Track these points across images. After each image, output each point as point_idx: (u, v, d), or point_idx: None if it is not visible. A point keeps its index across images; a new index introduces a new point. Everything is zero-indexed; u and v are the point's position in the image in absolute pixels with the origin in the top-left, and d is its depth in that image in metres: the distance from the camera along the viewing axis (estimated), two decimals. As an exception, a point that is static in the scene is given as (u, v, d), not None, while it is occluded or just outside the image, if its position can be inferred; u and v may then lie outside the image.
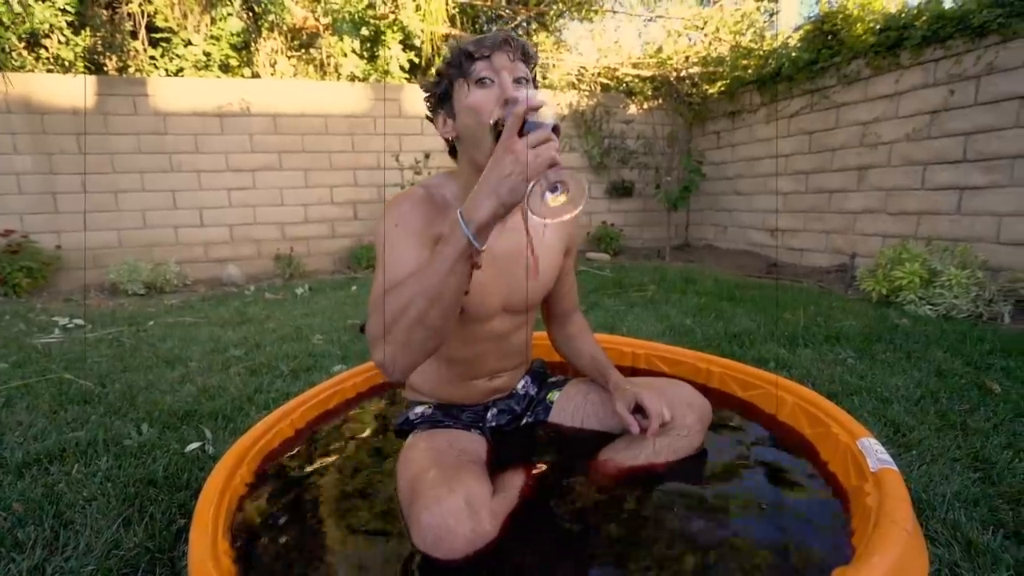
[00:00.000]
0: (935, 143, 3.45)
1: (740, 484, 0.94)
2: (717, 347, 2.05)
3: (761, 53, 5.00)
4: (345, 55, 5.41)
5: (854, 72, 3.98)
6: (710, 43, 5.71)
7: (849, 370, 1.80)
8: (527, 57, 0.86)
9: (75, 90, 4.31)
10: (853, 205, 4.10)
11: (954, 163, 3.34)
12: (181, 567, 0.90)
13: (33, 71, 4.50)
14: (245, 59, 5.42)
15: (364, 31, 5.47)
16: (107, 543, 0.95)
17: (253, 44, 5.37)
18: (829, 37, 4.17)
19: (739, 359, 1.44)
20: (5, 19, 4.30)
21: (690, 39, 6.07)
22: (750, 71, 5.01)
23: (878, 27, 3.77)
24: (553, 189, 0.66)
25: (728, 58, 5.35)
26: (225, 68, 5.34)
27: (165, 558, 0.93)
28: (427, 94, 0.92)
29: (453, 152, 0.94)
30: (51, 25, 4.47)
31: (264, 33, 5.33)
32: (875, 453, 0.85)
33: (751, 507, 0.87)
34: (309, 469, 1.05)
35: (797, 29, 4.66)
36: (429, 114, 0.94)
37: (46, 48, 4.69)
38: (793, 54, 4.47)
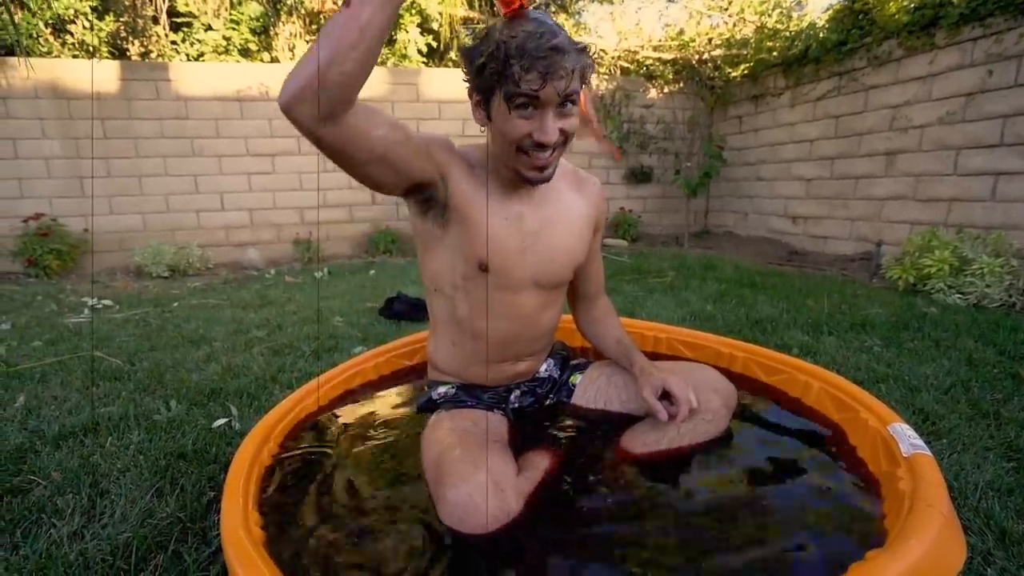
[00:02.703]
0: (970, 127, 3.32)
1: (765, 469, 0.93)
2: (739, 333, 2.02)
3: (787, 34, 4.85)
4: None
5: (885, 53, 3.84)
6: (734, 24, 5.55)
7: (875, 358, 1.76)
8: (583, 76, 0.81)
9: (100, 75, 4.37)
10: (880, 191, 3.98)
11: (990, 147, 3.22)
12: (212, 536, 0.92)
13: (59, 56, 4.58)
14: (264, 43, 5.43)
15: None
16: (141, 512, 0.98)
17: (272, 28, 5.38)
18: (860, 16, 4.02)
19: (761, 345, 1.41)
20: (32, 5, 4.37)
21: (711, 19, 5.90)
22: (775, 53, 4.86)
23: (912, 5, 3.62)
24: None
25: (752, 40, 5.20)
26: (245, 53, 5.36)
27: (197, 528, 0.95)
28: (466, 65, 0.85)
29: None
30: (75, 11, 4.52)
31: (283, 17, 5.33)
32: (908, 438, 0.83)
33: (777, 491, 0.86)
34: (334, 444, 1.07)
35: (826, 9, 4.51)
36: (465, 81, 0.88)
37: (71, 34, 4.75)
38: (821, 35, 4.32)
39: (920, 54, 3.60)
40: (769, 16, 5.28)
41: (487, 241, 0.90)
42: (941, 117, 3.48)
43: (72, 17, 4.67)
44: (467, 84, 0.87)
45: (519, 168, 0.86)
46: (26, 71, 4.08)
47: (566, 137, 0.84)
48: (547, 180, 0.88)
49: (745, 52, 5.24)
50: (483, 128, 0.89)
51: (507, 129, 0.81)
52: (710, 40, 5.57)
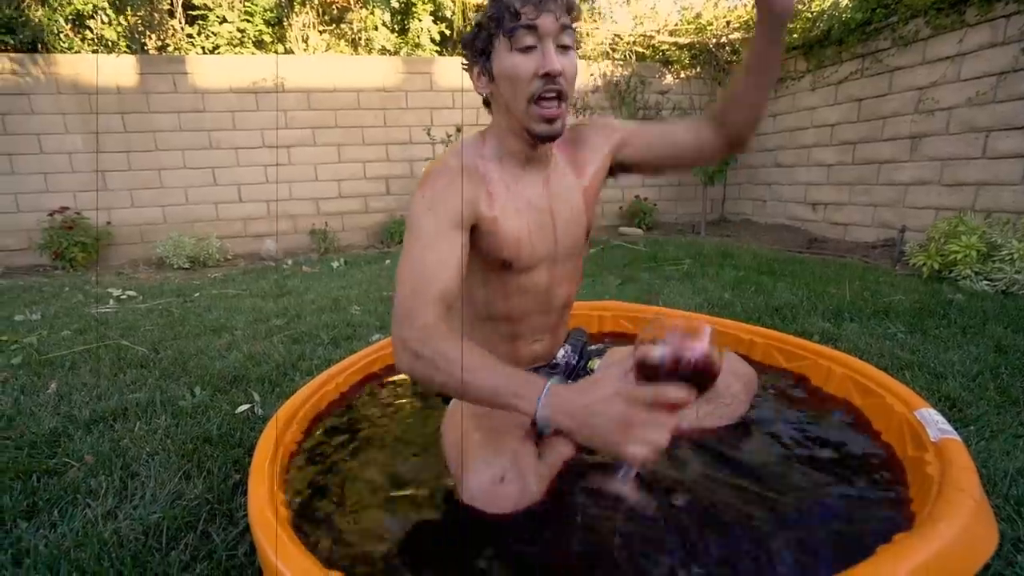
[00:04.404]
0: (1000, 107, 3.21)
1: (787, 453, 0.92)
2: (758, 320, 2.00)
3: (809, 15, 4.72)
4: (376, 28, 5.38)
5: (912, 33, 3.71)
6: (753, 6, 5.41)
7: (899, 345, 1.73)
8: (571, 10, 0.82)
9: (118, 69, 4.44)
10: (904, 176, 3.88)
11: (1021, 129, 3.10)
12: (239, 517, 0.94)
13: (80, 52, 4.65)
14: (278, 35, 5.45)
15: (394, 3, 5.41)
16: (170, 494, 1.01)
17: (286, 20, 5.39)
18: (885, -5, 3.90)
19: (782, 332, 1.39)
20: (52, 1, 4.43)
21: (729, 0, 5.77)
22: (795, 35, 4.74)
23: (941, -18, 3.50)
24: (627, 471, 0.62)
25: (772, 22, 5.06)
26: (259, 44, 5.39)
27: (224, 509, 0.98)
28: (465, 43, 0.89)
29: (487, 105, 0.93)
30: (94, 5, 4.58)
31: (296, 8, 5.34)
32: (935, 423, 0.82)
33: (800, 475, 0.85)
34: (355, 429, 1.08)
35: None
36: (465, 64, 0.91)
37: (91, 29, 4.82)
38: (844, 15, 4.20)
39: (949, 32, 3.48)
40: (789, -4, 5.13)
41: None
42: (970, 98, 3.36)
43: (91, 12, 4.73)
44: (466, 67, 0.90)
45: (530, 124, 0.84)
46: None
47: (568, 82, 0.83)
48: (558, 134, 0.86)
49: (764, 34, 5.11)
50: (485, 95, 0.90)
51: (512, 71, 0.81)
52: (728, 23, 5.45)
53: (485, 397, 0.69)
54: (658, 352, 0.59)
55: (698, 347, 0.58)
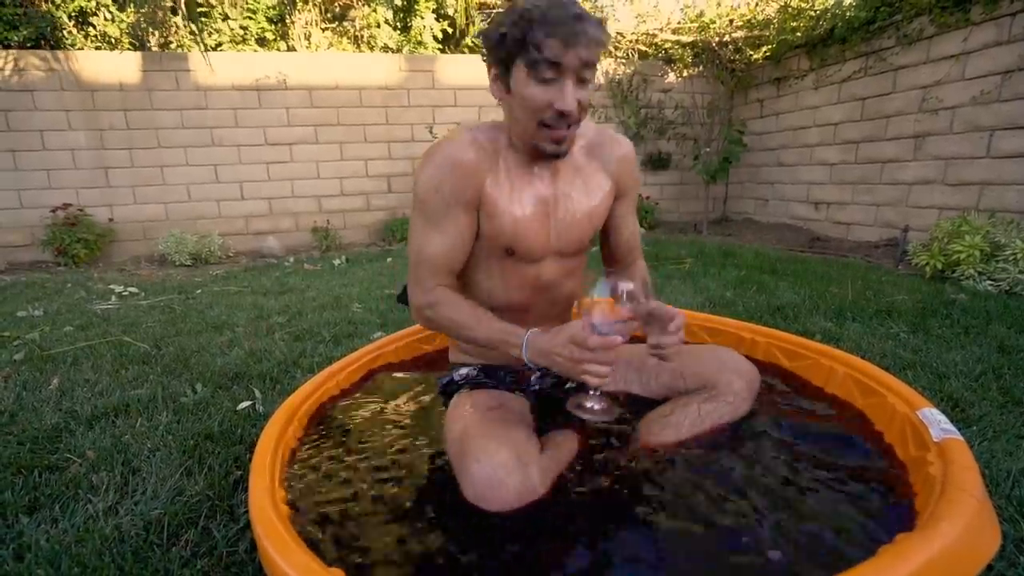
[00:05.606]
0: (1005, 107, 3.19)
1: (788, 452, 0.92)
2: (760, 320, 1.99)
3: (812, 13, 4.70)
4: (378, 25, 5.37)
5: (916, 31, 3.69)
6: (756, 4, 5.39)
7: (901, 344, 1.72)
8: (599, 46, 0.81)
9: (121, 67, 4.44)
10: (907, 176, 3.86)
11: (1026, 128, 3.09)
12: (240, 513, 0.94)
13: (83, 49, 4.65)
14: (280, 32, 5.45)
15: (397, 0, 5.40)
16: (171, 490, 1.01)
17: (288, 17, 5.39)
18: (889, -7, 3.87)
19: (784, 332, 1.39)
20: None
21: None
22: (799, 34, 4.72)
23: (946, -20, 3.47)
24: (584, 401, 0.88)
25: (775, 20, 5.04)
26: (261, 42, 5.39)
27: (224, 505, 0.98)
28: (485, 41, 0.87)
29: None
30: (97, 2, 4.58)
31: (299, 5, 5.33)
32: (938, 423, 0.82)
33: (800, 474, 0.85)
34: (356, 426, 1.08)
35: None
36: (484, 57, 0.90)
37: (93, 26, 4.82)
38: (848, 13, 4.18)
39: (953, 31, 3.46)
40: (793, -5, 5.10)
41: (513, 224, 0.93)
42: (975, 97, 3.35)
43: (94, 10, 4.73)
44: (485, 60, 0.89)
45: (538, 142, 0.87)
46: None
47: (582, 110, 0.85)
48: (564, 154, 0.90)
49: (767, 33, 5.09)
50: (499, 102, 0.90)
51: (528, 99, 0.82)
52: (731, 21, 5.42)
53: (484, 344, 0.90)
54: (597, 313, 0.82)
55: (622, 310, 0.84)
